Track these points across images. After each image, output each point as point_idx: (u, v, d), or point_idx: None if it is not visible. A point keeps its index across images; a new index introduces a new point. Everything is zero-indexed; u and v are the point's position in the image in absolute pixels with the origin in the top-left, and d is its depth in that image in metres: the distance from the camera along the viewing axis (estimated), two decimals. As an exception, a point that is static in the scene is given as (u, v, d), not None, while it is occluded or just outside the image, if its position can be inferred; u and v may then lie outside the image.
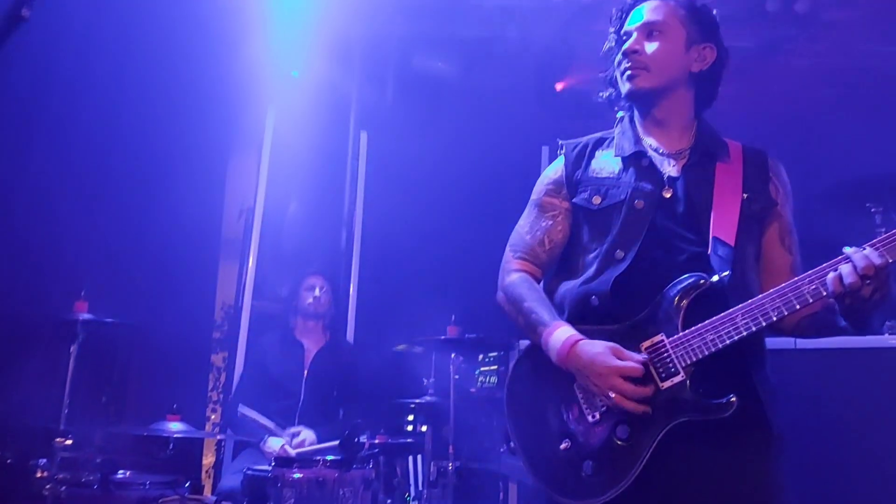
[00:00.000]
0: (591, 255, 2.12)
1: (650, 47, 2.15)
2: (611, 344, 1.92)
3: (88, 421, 4.16)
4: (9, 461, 3.60)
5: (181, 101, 5.24)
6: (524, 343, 2.19)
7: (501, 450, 4.33)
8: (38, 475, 3.31)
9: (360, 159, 6.18)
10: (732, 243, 2.02)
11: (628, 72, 2.15)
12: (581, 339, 1.95)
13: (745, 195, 2.10)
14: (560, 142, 2.36)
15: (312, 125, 5.78)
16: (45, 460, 3.36)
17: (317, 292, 4.70)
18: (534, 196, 2.32)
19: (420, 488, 4.45)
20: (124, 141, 4.94)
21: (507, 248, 2.30)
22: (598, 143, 2.30)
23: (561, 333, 1.98)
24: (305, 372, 4.56)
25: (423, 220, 5.85)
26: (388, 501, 3.96)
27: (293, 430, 4.21)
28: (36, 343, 4.20)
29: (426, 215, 5.84)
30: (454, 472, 4.07)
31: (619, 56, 2.20)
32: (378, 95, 6.69)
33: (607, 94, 2.36)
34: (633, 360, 1.89)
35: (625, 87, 2.18)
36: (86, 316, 3.64)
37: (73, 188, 4.55)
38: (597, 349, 1.91)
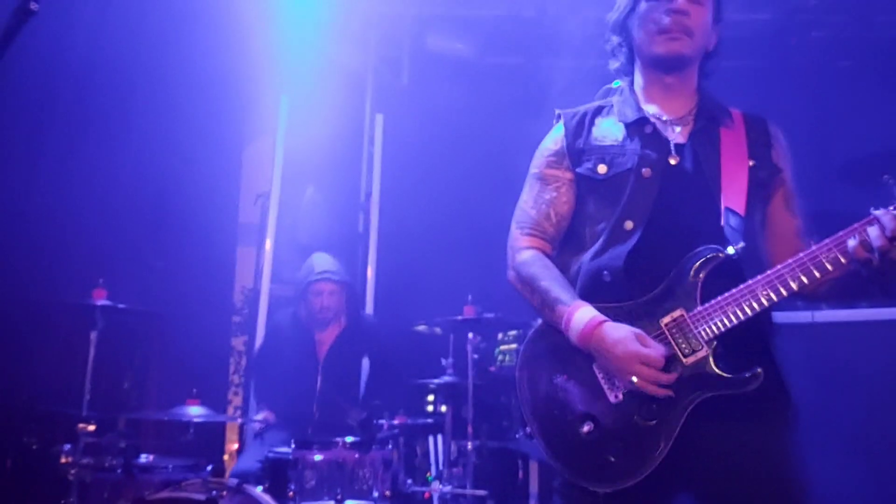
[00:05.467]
0: (599, 227, 2.06)
1: (697, 12, 2.04)
2: (636, 330, 1.87)
3: (111, 407, 4.21)
4: (34, 447, 3.66)
5: (196, 88, 5.25)
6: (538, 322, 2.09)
7: (518, 435, 4.33)
8: (63, 460, 3.35)
9: (375, 142, 6.16)
10: (743, 213, 1.99)
11: (672, 33, 2.03)
12: (605, 322, 1.89)
13: (751, 162, 2.06)
14: (557, 111, 2.28)
15: (328, 109, 5.78)
16: (69, 446, 3.39)
17: (325, 301, 4.50)
18: (534, 169, 2.24)
19: (441, 468, 4.46)
20: (140, 129, 4.96)
21: (513, 226, 2.22)
22: (598, 112, 2.23)
23: (583, 314, 1.92)
24: (320, 363, 4.50)
25: (440, 202, 5.83)
26: (409, 481, 3.97)
27: None
28: (57, 331, 4.26)
29: (443, 197, 5.82)
30: (474, 452, 4.08)
31: (661, 14, 2.03)
32: (393, 77, 6.68)
33: (617, 64, 2.26)
34: (656, 349, 1.84)
35: (660, 47, 2.05)
36: (104, 303, 3.67)
37: (90, 176, 4.57)
38: (620, 333, 1.86)
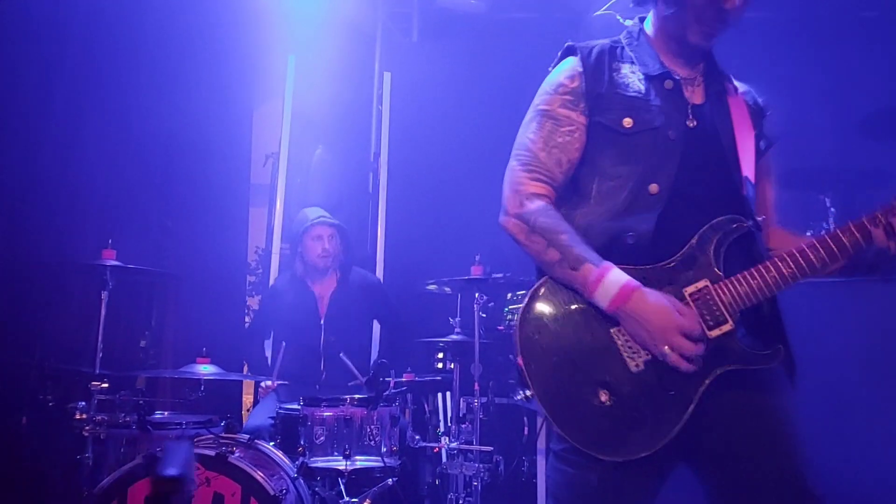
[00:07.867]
0: (611, 183, 1.97)
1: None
2: (672, 297, 1.82)
3: (124, 365, 4.29)
4: (50, 404, 3.73)
5: (204, 49, 5.24)
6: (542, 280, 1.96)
7: (517, 398, 4.35)
8: (78, 417, 3.41)
9: (384, 101, 6.13)
10: (755, 182, 1.97)
11: (718, 26, 1.94)
12: (641, 286, 1.82)
13: (755, 131, 2.04)
14: (570, 43, 2.12)
15: (336, 67, 5.75)
16: (83, 403, 3.46)
17: (326, 244, 4.60)
18: (544, 105, 2.05)
19: (449, 424, 4.52)
20: (149, 90, 4.96)
21: (517, 165, 2.03)
22: (613, 53, 2.09)
23: (618, 276, 1.83)
24: (322, 319, 4.59)
25: (449, 161, 5.80)
26: (417, 437, 4.03)
27: None
28: (69, 291, 4.30)
29: (452, 156, 5.79)
30: (480, 409, 4.12)
31: (712, 9, 1.91)
32: (402, 35, 6.62)
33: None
34: (692, 320, 1.80)
35: (695, 37, 1.97)
36: (113, 263, 3.71)
37: (99, 137, 4.59)
38: (662, 301, 1.80)
